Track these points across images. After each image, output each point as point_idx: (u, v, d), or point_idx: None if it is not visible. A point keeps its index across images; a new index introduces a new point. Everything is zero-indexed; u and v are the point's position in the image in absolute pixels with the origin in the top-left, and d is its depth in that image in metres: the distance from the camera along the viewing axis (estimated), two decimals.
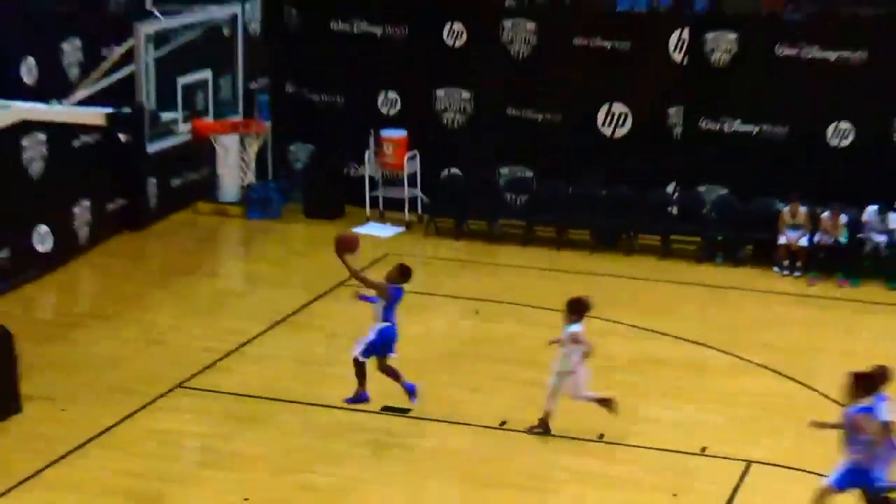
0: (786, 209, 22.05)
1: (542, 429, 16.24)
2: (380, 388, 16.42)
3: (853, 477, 13.76)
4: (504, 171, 24.53)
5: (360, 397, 16.03)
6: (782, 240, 21.99)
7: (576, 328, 15.96)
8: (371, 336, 15.85)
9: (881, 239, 21.71)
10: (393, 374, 16.12)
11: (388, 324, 15.93)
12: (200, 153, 24.80)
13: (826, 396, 17.48)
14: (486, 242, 23.61)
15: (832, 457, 15.79)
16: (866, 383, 13.95)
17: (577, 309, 16.09)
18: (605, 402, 16.28)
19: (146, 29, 21.15)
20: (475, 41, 24.42)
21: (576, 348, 15.97)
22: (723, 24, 23.33)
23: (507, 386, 17.58)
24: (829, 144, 22.78)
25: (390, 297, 15.90)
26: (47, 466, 15.39)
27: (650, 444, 16.04)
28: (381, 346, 15.92)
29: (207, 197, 25.25)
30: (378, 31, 24.91)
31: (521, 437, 16.23)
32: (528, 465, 15.65)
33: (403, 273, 16.16)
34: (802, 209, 21.94)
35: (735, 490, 15.10)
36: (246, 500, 14.68)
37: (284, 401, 16.78)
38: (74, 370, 17.93)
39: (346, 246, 16.12)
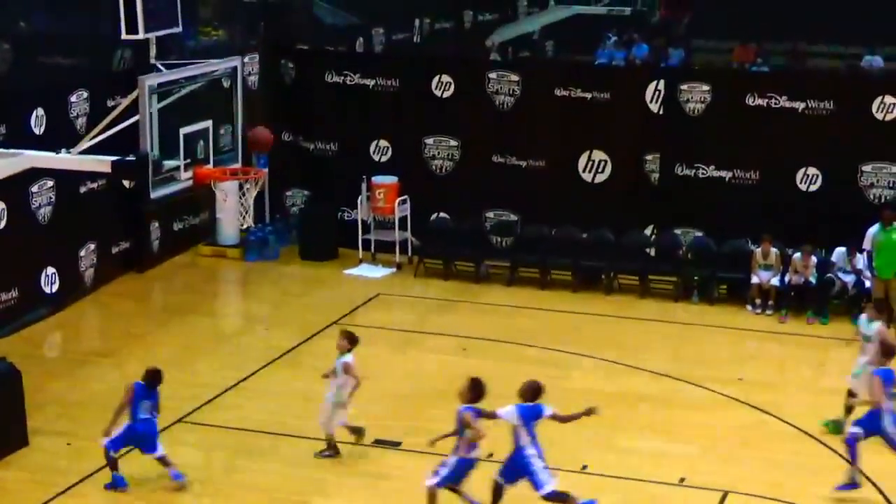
0: (757, 250, 22.02)
1: (331, 452, 16.10)
2: (373, 421, 16.28)
3: None
4: (490, 214, 24.46)
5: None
6: (755, 279, 21.94)
7: (348, 359, 15.78)
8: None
9: (849, 279, 21.67)
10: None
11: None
12: (201, 199, 24.73)
13: (797, 427, 17.41)
14: (473, 283, 23.53)
15: (805, 486, 15.76)
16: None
17: (350, 339, 15.90)
18: (356, 431, 16.19)
19: (150, 81, 21.06)
20: (462, 92, 24.40)
21: (348, 379, 15.78)
22: (696, 76, 23.38)
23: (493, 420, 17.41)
24: (798, 189, 22.75)
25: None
26: (53, 498, 15.26)
27: (631, 475, 15.92)
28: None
29: (207, 240, 25.18)
30: (370, 82, 24.88)
31: None
32: (512, 495, 15.48)
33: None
34: (773, 250, 21.90)
35: None
36: None
37: (281, 434, 16.63)
38: (79, 405, 17.80)
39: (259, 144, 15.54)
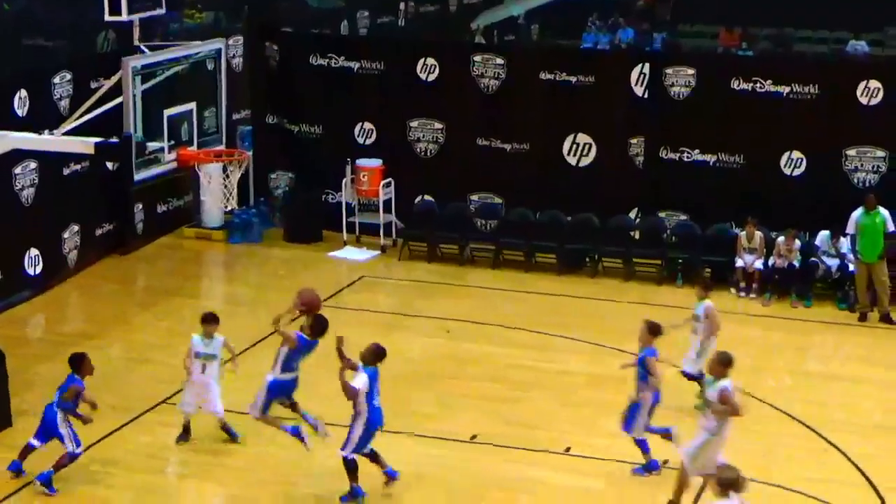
0: (742, 233, 22.03)
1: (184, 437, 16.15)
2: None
3: None
4: (475, 197, 24.44)
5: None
6: (739, 263, 21.95)
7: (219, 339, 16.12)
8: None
9: (832, 263, 21.70)
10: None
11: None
12: (185, 181, 24.67)
13: (781, 410, 17.44)
14: (458, 265, 23.51)
15: (790, 468, 15.80)
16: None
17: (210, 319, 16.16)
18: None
19: (133, 63, 21.04)
20: (447, 75, 24.35)
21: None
22: (681, 61, 23.36)
23: (476, 402, 17.45)
24: (783, 173, 22.77)
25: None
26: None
27: (615, 458, 15.92)
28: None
29: (191, 222, 25.11)
30: (355, 65, 24.81)
31: (491, 450, 16.11)
32: (497, 478, 15.52)
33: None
34: (758, 233, 21.92)
35: (697, 500, 14.97)
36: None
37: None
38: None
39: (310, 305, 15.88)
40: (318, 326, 15.48)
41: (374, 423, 14.62)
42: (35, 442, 15.12)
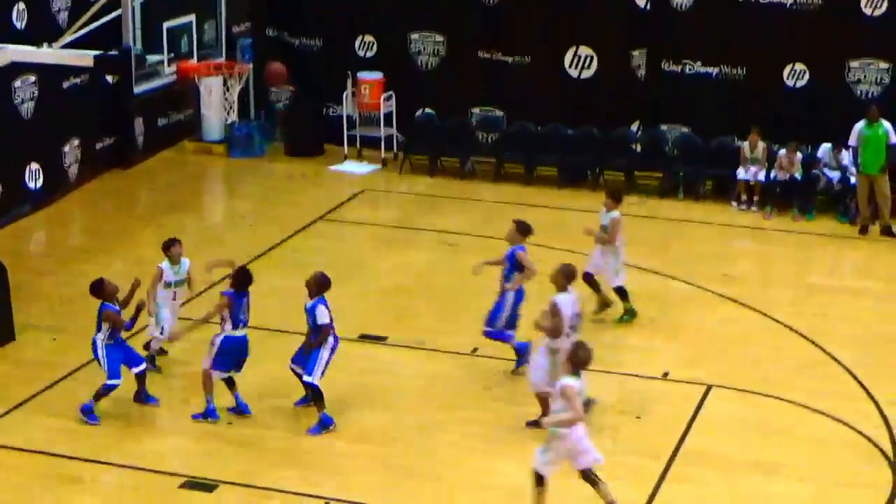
0: (745, 143, 21.93)
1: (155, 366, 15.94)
2: (358, 316, 16.35)
3: None
4: (475, 110, 24.34)
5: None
6: (740, 174, 21.87)
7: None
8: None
9: (834, 176, 21.64)
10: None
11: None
12: (185, 94, 24.55)
13: (781, 323, 17.49)
14: (459, 179, 23.47)
15: (790, 380, 15.87)
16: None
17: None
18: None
19: None
20: None
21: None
22: None
23: (477, 315, 17.45)
24: (785, 85, 22.65)
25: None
26: (39, 393, 15.32)
27: (615, 370, 15.98)
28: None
29: (192, 136, 25.01)
30: None
31: (492, 364, 16.19)
32: (498, 390, 15.61)
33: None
34: (761, 143, 21.82)
35: (696, 412, 15.07)
36: (230, 423, 14.66)
37: (267, 329, 16.60)
38: (65, 301, 17.78)
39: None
40: (240, 278, 14.97)
41: (336, 347, 14.66)
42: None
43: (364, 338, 16.57)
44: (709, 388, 15.63)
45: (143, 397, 15.08)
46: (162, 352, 16.17)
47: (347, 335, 16.03)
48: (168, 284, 15.87)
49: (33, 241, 20.74)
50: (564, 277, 14.52)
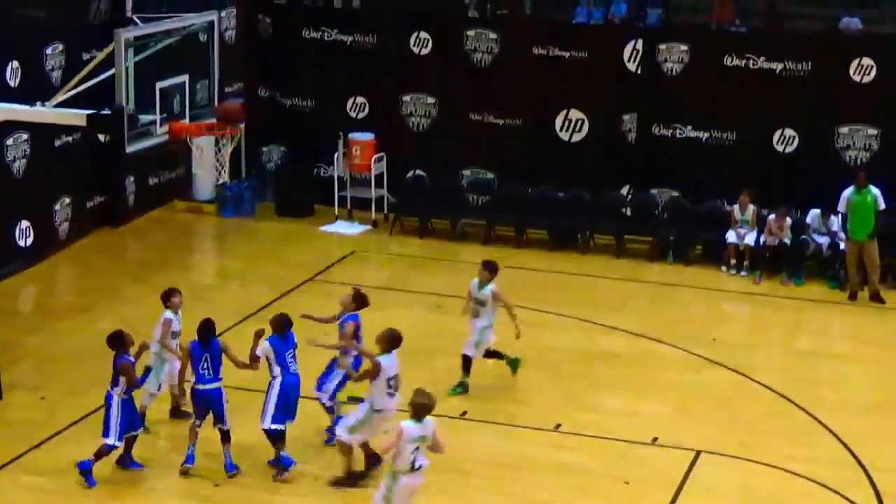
0: (735, 206, 21.98)
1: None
2: None
3: None
4: (466, 172, 24.41)
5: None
6: (730, 238, 21.90)
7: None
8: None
9: (823, 241, 21.69)
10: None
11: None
12: (177, 153, 24.59)
13: (770, 388, 17.47)
14: (449, 241, 23.49)
15: (779, 447, 15.83)
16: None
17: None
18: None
19: (126, 34, 20.90)
20: (440, 49, 24.30)
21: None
22: (675, 36, 23.30)
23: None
24: (775, 150, 22.76)
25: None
26: (28, 451, 15.23)
27: (604, 434, 15.96)
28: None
29: (183, 195, 25.04)
30: (348, 39, 24.75)
31: (481, 426, 16.14)
32: (486, 454, 15.55)
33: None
34: (751, 206, 21.85)
35: (685, 478, 15.02)
36: (217, 485, 14.58)
37: (256, 391, 16.54)
38: (53, 360, 17.74)
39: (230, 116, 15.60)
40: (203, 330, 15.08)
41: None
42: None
43: (352, 399, 16.47)
44: (698, 453, 15.59)
45: (126, 462, 14.96)
46: (181, 413, 16.00)
47: (338, 397, 16.02)
48: (175, 334, 15.78)
49: (22, 299, 20.68)
50: (387, 342, 14.62)
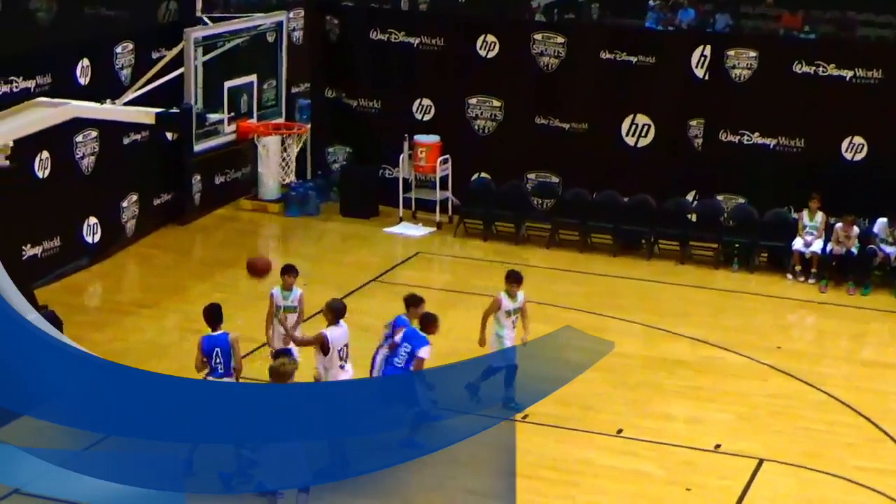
0: (804, 211, 21.79)
1: None
2: None
3: None
4: (531, 176, 24.39)
5: None
6: (797, 246, 21.72)
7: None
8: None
9: (890, 251, 21.49)
10: None
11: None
12: (243, 153, 24.74)
13: (835, 398, 17.32)
14: (513, 244, 23.45)
15: (843, 457, 15.69)
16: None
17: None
18: None
19: (195, 34, 21.06)
20: (507, 53, 24.30)
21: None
22: (743, 42, 23.17)
23: None
24: (843, 158, 22.56)
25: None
26: (91, 446, 15.32)
27: (666, 441, 15.88)
28: None
29: (249, 194, 25.20)
30: (415, 41, 24.81)
31: (544, 430, 16.10)
32: (549, 458, 15.52)
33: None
34: (820, 212, 21.65)
35: (747, 486, 14.92)
36: None
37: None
38: (120, 356, 17.79)
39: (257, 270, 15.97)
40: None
41: None
42: None
43: None
44: (761, 461, 15.48)
45: None
46: None
47: None
48: (278, 309, 16.37)
49: (89, 295, 20.87)
50: (332, 312, 15.02)
